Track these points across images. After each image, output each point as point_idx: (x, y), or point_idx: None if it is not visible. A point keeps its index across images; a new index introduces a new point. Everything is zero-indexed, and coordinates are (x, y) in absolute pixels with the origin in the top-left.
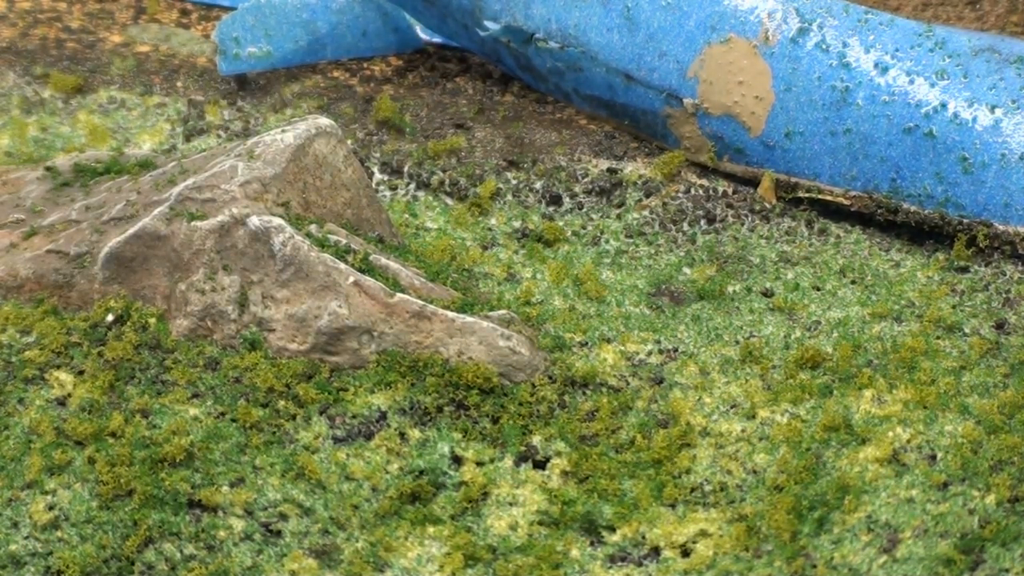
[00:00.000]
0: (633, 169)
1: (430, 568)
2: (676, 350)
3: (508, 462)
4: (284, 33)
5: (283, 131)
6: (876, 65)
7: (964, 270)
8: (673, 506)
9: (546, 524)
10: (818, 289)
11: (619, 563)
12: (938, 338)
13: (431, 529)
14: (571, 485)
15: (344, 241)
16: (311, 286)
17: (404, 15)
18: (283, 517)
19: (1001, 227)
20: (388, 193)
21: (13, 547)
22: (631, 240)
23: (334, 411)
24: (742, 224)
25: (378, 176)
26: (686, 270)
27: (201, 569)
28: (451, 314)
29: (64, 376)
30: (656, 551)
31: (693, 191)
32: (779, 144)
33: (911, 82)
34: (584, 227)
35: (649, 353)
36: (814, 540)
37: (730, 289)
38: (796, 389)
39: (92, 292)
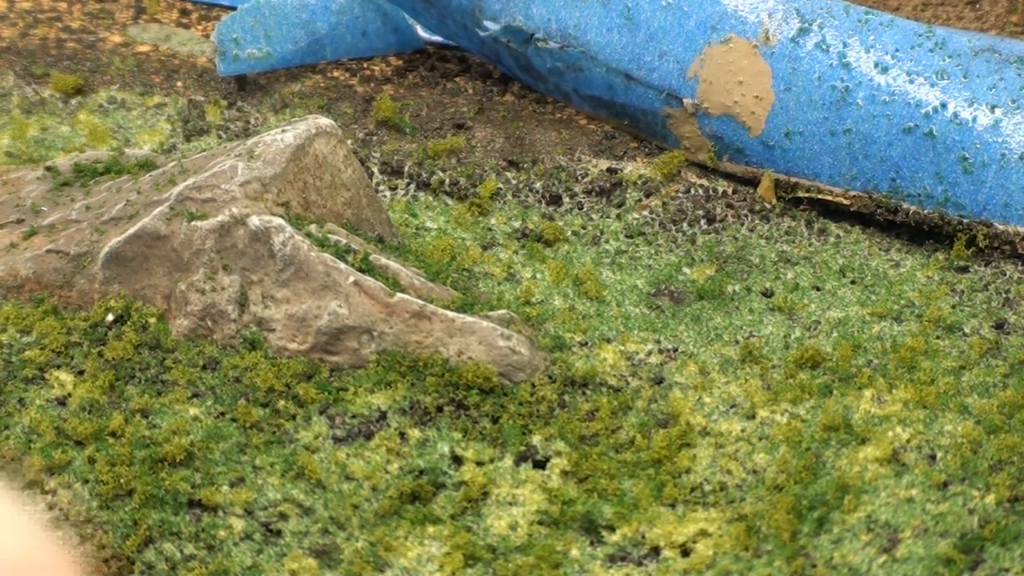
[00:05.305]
0: (633, 169)
1: (430, 568)
2: (676, 350)
3: (508, 462)
4: (284, 34)
5: (283, 131)
6: (876, 65)
7: (964, 270)
8: (673, 506)
9: (546, 524)
10: (818, 289)
11: (619, 563)
12: (938, 338)
13: (431, 529)
14: (571, 485)
15: (344, 241)
16: (311, 286)
17: (404, 15)
18: (283, 517)
19: (1001, 227)
20: (388, 193)
21: None
22: (631, 240)
23: (334, 411)
24: (742, 224)
25: (378, 176)
26: (686, 270)
27: (201, 569)
28: (451, 314)
29: (64, 376)
30: (656, 551)
31: (693, 191)
32: (779, 144)
33: (911, 82)
34: (584, 227)
35: (649, 353)
36: (814, 540)
37: (730, 289)
38: (796, 389)
39: (92, 292)
